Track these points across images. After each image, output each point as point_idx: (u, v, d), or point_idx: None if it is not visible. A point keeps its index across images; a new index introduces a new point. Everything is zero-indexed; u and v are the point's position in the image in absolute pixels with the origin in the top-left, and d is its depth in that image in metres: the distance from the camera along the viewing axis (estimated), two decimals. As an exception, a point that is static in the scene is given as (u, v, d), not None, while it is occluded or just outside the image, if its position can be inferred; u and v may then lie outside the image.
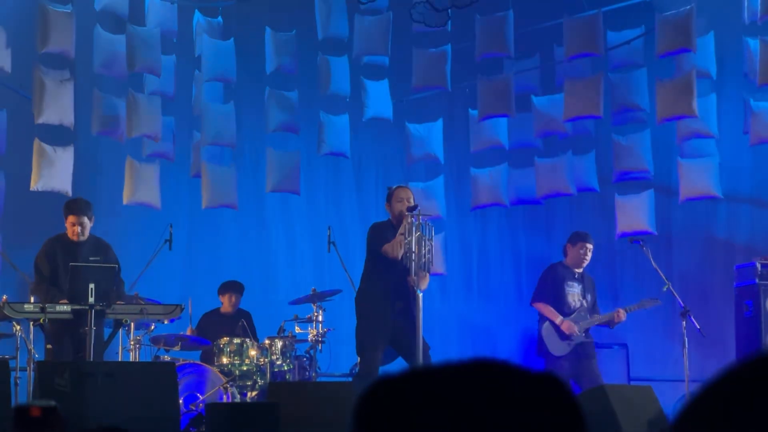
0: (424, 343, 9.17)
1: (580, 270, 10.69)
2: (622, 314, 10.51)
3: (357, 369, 9.82)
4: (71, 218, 9.81)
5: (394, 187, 9.68)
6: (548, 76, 13.15)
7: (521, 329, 13.40)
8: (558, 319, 10.42)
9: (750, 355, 1.23)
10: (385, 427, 1.25)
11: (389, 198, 9.57)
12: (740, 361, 1.24)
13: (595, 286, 10.83)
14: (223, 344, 10.70)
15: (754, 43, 11.32)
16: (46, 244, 9.88)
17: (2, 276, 11.47)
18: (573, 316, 10.49)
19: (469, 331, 13.73)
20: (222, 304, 11.90)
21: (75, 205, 9.88)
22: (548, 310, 10.49)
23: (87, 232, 9.85)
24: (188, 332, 11.08)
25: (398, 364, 9.71)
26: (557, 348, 10.43)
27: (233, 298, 11.82)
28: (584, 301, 10.61)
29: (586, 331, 10.52)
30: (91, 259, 9.70)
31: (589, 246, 10.67)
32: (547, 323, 10.49)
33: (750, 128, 11.47)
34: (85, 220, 9.82)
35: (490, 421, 1.21)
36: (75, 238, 9.79)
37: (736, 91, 11.91)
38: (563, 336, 10.42)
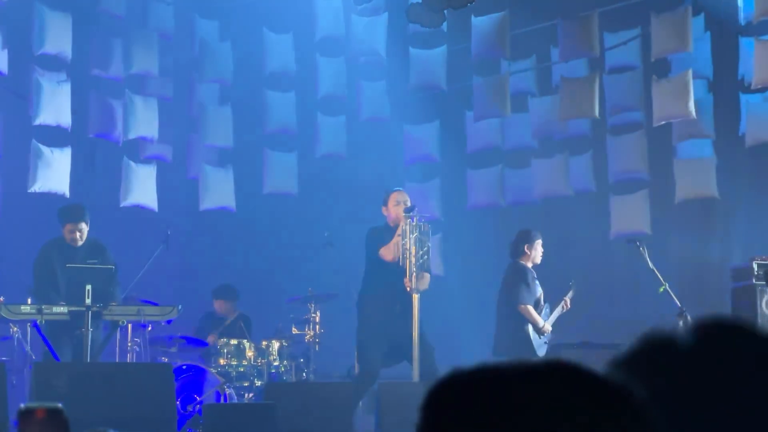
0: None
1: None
2: (568, 302, 10.61)
3: (354, 370, 9.84)
4: (68, 226, 9.84)
5: (391, 191, 9.70)
6: (544, 76, 13.16)
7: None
8: (540, 322, 10.42)
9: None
10: (454, 422, 1.25)
11: (386, 201, 9.59)
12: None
13: None
14: (221, 345, 10.71)
15: (749, 44, 11.32)
16: (43, 249, 9.90)
17: (-1, 278, 11.48)
18: (542, 314, 10.53)
19: (465, 332, 13.73)
20: (215, 308, 11.89)
21: (71, 213, 9.88)
22: (532, 313, 10.44)
23: (85, 236, 9.87)
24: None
25: (399, 368, 9.73)
26: (541, 349, 10.47)
27: (225, 305, 11.80)
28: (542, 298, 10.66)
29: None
30: (88, 261, 9.72)
31: (541, 241, 10.71)
32: (529, 326, 10.46)
33: (746, 129, 11.47)
34: (83, 225, 9.85)
35: (557, 425, 1.23)
36: (74, 244, 9.82)
37: (732, 92, 11.91)
38: (539, 336, 10.47)
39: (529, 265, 10.55)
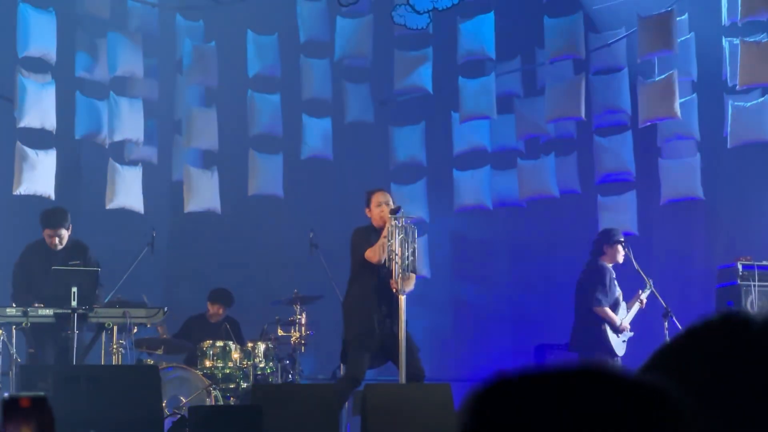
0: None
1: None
2: (644, 300, 10.49)
3: (340, 372, 9.82)
4: (47, 231, 9.80)
5: (373, 191, 9.63)
6: (530, 78, 13.18)
7: (502, 330, 13.42)
8: (618, 320, 10.31)
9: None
10: (498, 426, 1.26)
11: (368, 202, 9.54)
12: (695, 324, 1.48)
13: None
14: (207, 347, 10.68)
15: (734, 45, 11.35)
16: (23, 252, 9.89)
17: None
18: (619, 313, 10.41)
19: (451, 334, 13.75)
20: (208, 310, 11.85)
21: (51, 219, 9.83)
22: (609, 314, 10.30)
23: (65, 241, 9.82)
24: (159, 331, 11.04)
25: (385, 369, 9.72)
26: (620, 348, 10.37)
27: (221, 310, 11.76)
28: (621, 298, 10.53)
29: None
30: (70, 263, 9.69)
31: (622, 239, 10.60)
32: (605, 325, 10.31)
33: (730, 130, 11.49)
34: (62, 231, 9.79)
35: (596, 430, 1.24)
36: (53, 248, 9.79)
37: (716, 92, 11.94)
38: (618, 335, 10.34)
39: (609, 264, 10.47)
